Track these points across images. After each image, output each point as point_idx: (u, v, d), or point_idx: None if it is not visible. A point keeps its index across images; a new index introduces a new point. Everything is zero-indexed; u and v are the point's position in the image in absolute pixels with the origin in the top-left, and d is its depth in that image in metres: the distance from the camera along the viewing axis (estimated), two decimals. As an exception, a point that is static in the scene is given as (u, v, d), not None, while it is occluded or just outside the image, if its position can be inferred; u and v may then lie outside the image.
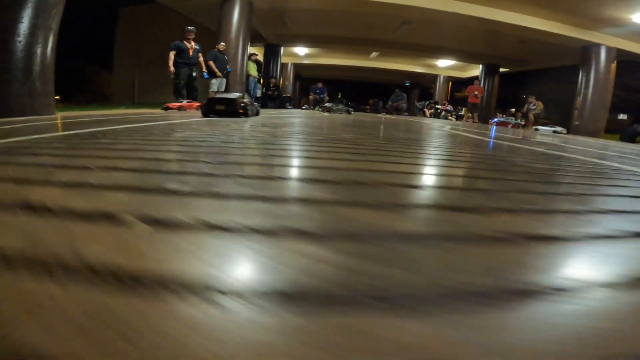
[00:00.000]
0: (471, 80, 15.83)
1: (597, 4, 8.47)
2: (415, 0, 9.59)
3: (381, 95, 16.50)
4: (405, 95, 15.19)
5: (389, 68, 20.94)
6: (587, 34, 10.15)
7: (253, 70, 11.71)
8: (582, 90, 10.49)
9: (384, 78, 23.27)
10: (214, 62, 8.74)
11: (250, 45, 17.32)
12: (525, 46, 12.31)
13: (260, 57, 16.72)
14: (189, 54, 7.88)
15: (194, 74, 8.15)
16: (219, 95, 6.03)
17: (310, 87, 15.59)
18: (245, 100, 5.09)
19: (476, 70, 16.89)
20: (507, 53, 14.21)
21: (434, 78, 20.94)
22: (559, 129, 8.95)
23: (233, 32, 10.30)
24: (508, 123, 10.48)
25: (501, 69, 15.97)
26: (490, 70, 15.78)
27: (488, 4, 9.50)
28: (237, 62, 10.35)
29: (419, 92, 23.42)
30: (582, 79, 10.52)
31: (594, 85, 10.29)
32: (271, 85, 13.54)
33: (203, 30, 10.78)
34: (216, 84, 8.90)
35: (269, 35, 15.22)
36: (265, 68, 16.19)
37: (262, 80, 13.11)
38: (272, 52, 16.14)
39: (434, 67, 20.11)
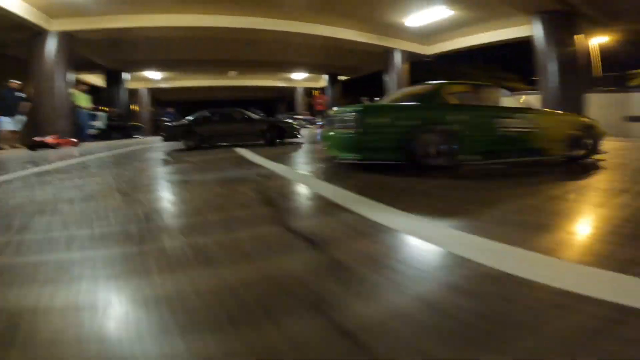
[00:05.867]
0: (324, 89, 17.71)
1: (381, 13, 10.66)
2: (256, 24, 10.50)
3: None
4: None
5: (251, 85, 21.79)
6: (386, 40, 12.59)
7: (83, 101, 10.81)
8: (390, 89, 12.94)
9: (249, 95, 24.05)
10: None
11: (89, 74, 16.04)
12: (354, 55, 14.49)
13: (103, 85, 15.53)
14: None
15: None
16: None
17: (158, 112, 15.16)
18: None
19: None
20: (343, 63, 16.40)
21: (294, 90, 22.62)
22: None
23: (47, 64, 9.41)
24: None
25: (341, 77, 18.33)
26: (333, 79, 17.96)
27: (316, 21, 11.08)
28: (53, 96, 9.45)
29: (286, 105, 24.94)
30: (387, 79, 13.00)
31: (396, 84, 12.83)
32: (113, 116, 12.70)
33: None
34: (9, 123, 8.18)
35: (109, 63, 14.27)
36: (108, 97, 15.08)
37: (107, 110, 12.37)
38: (114, 79, 15.13)
39: (292, 80, 21.73)
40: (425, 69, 15.01)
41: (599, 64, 12.82)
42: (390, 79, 13.01)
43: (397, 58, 12.81)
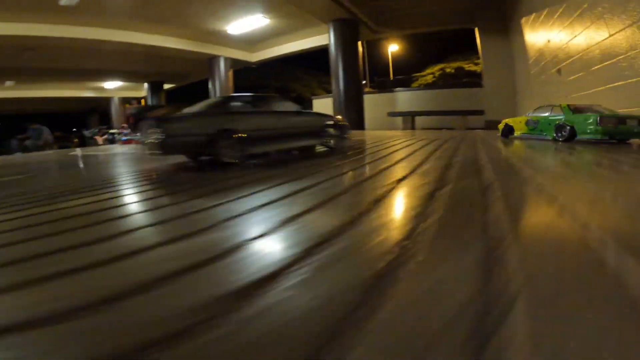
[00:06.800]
0: (146, 98, 15.95)
1: (201, 20, 10.52)
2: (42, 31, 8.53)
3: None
4: (40, 128, 12.58)
5: (46, 96, 17.47)
6: (210, 47, 12.52)
7: None
8: (214, 96, 13.04)
9: (46, 108, 19.33)
10: None
11: None
12: (179, 63, 13.66)
13: None
14: None
15: None
16: None
17: None
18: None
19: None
20: (167, 70, 15.23)
21: (109, 101, 19.57)
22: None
23: None
24: (132, 140, 9.92)
25: (167, 85, 17.14)
26: (155, 88, 16.54)
27: (129, 28, 9.94)
28: None
29: (99, 117, 21.30)
30: (211, 86, 13.12)
31: (220, 90, 13.07)
32: None
33: None
34: None
35: None
36: None
37: None
38: None
39: (104, 90, 18.75)
40: (258, 75, 15.70)
41: (391, 68, 16.43)
42: (218, 85, 13.15)
43: (222, 65, 13.04)
